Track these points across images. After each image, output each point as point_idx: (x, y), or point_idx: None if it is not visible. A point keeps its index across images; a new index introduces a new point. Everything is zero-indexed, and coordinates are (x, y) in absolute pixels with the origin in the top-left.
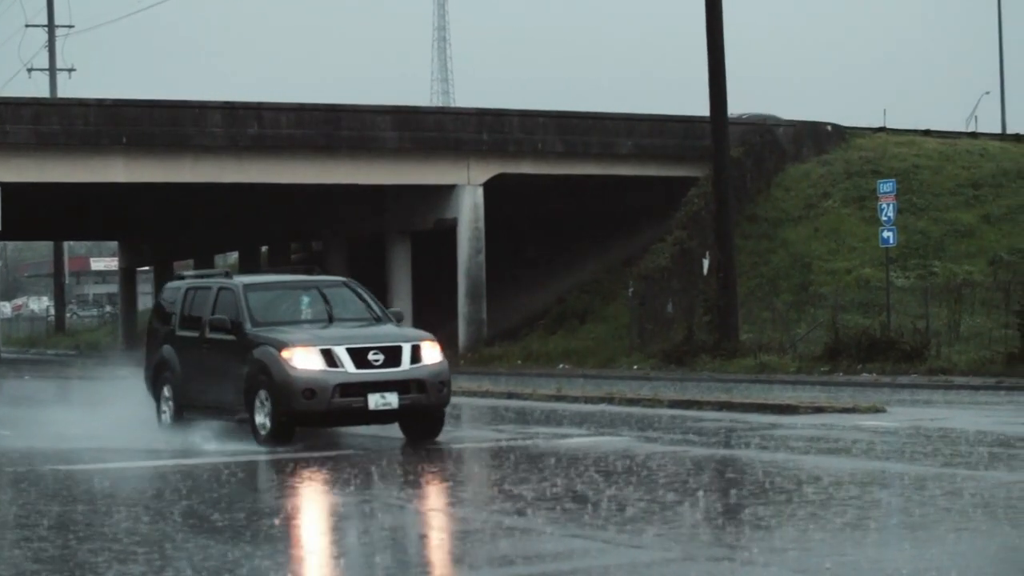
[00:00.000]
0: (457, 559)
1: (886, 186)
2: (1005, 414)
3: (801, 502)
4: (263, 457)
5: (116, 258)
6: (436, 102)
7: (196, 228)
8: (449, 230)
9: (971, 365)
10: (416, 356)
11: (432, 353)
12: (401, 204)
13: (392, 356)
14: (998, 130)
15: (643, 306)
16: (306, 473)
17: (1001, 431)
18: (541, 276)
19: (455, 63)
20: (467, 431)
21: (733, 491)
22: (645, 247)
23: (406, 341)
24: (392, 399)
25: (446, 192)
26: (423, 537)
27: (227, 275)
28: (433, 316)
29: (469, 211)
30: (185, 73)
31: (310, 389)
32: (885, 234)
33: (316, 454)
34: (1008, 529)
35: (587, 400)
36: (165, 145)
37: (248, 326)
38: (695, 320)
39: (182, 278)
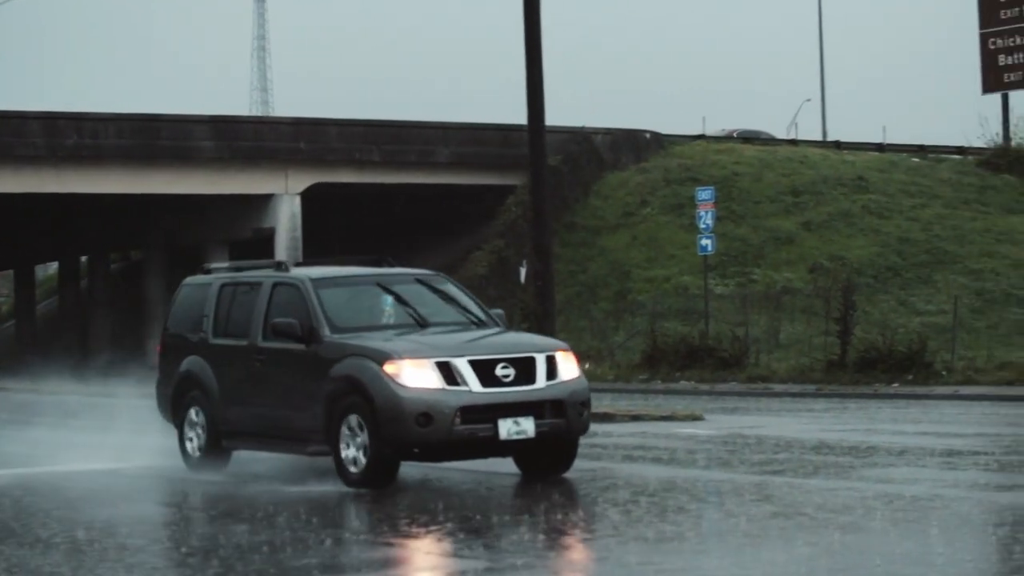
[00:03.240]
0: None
1: (704, 193)
2: (824, 421)
3: (616, 511)
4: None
5: None
6: (255, 111)
7: (15, 238)
8: (267, 239)
9: (790, 372)
10: (552, 370)
11: (569, 366)
12: (220, 213)
13: (525, 370)
14: (819, 137)
15: None
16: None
17: (819, 438)
18: None
19: (274, 72)
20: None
21: (547, 501)
22: (463, 256)
23: (539, 351)
24: (527, 425)
25: (264, 201)
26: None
27: (280, 267)
28: None
29: (287, 220)
30: (3, 83)
31: (426, 414)
32: (703, 241)
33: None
34: (821, 536)
35: None
36: None
37: (326, 332)
38: (512, 328)
39: (208, 271)
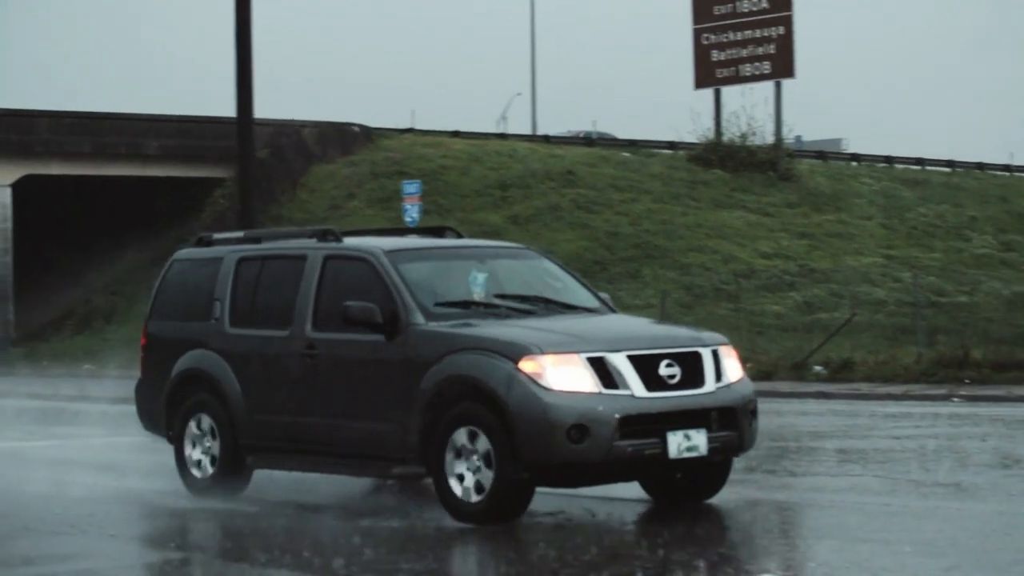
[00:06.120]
0: None
1: (411, 187)
2: None
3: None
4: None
5: None
6: None
7: None
8: None
9: None
10: (719, 369)
11: (733, 364)
12: None
13: (692, 369)
14: (528, 131)
15: None
16: None
17: None
18: (71, 277)
19: None
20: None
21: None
22: (172, 248)
23: (703, 345)
24: (699, 440)
25: None
26: None
27: (327, 236)
28: None
29: None
30: None
31: (580, 426)
32: None
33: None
34: (530, 535)
35: (110, 400)
36: None
37: (418, 319)
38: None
39: (209, 243)
